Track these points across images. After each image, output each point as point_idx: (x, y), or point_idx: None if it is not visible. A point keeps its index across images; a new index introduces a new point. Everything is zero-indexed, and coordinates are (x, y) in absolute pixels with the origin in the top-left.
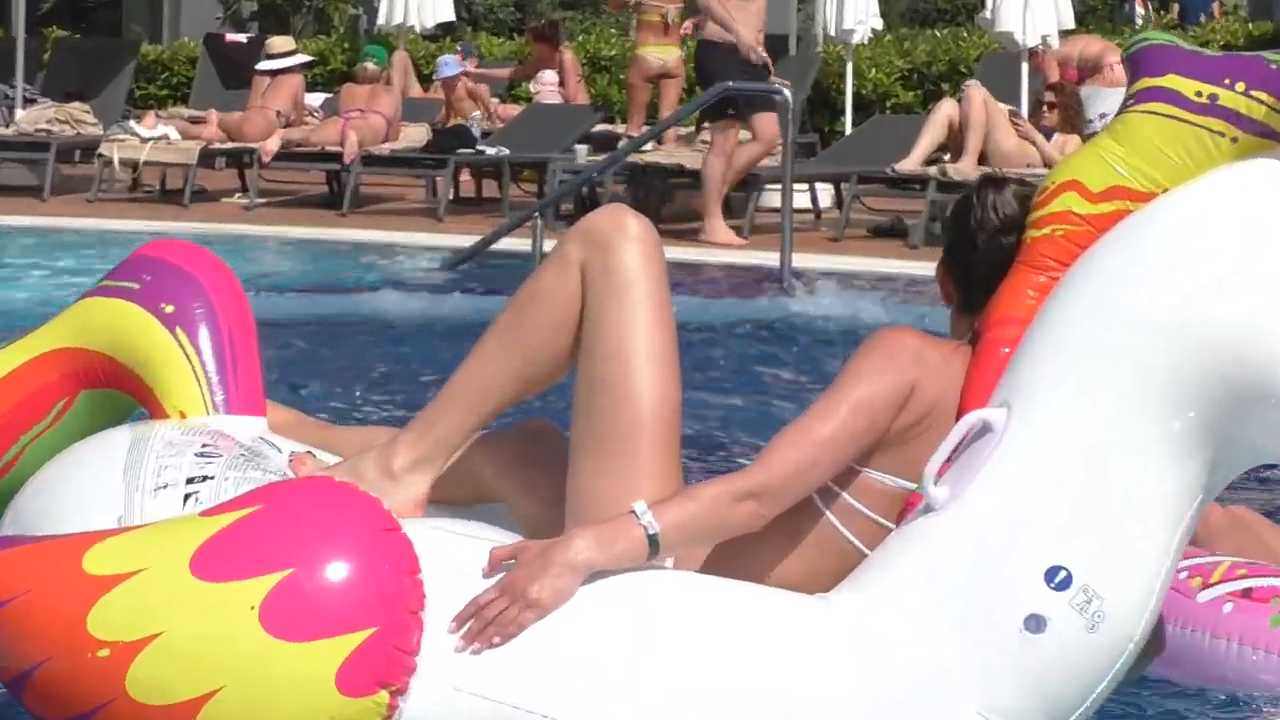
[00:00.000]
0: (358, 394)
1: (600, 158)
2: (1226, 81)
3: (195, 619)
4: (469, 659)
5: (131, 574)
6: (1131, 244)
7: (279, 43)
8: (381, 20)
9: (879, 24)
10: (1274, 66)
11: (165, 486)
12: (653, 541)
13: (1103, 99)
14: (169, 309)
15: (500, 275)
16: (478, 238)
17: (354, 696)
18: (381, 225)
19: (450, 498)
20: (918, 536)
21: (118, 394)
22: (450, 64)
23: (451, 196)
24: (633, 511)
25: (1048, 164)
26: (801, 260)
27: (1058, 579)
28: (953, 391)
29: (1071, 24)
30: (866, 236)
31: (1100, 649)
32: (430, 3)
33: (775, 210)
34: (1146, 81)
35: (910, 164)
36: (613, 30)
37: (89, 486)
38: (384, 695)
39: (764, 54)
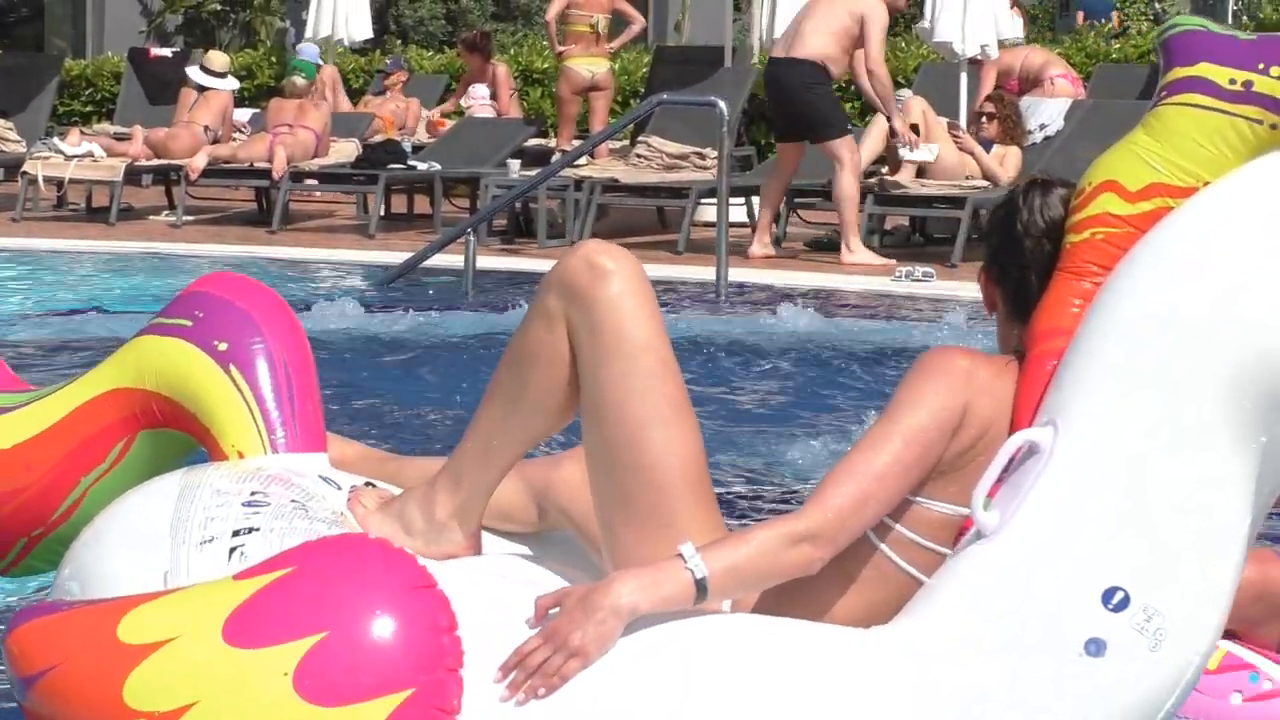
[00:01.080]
0: None
1: (533, 173)
2: (1261, 66)
3: (230, 687)
4: (514, 712)
5: (165, 642)
6: (1165, 245)
7: (216, 59)
8: (309, 34)
9: None
10: None
11: (211, 540)
12: (700, 586)
13: (1043, 110)
14: (222, 347)
15: (433, 292)
16: (409, 254)
17: None
18: (312, 242)
19: (513, 527)
20: (969, 564)
21: (177, 433)
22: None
23: (383, 213)
24: (680, 555)
25: (987, 176)
26: (738, 274)
27: (1115, 600)
28: (1005, 411)
29: (1012, 33)
30: (804, 250)
31: (1166, 667)
32: (358, 15)
33: (711, 224)
34: (1179, 72)
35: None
36: (544, 42)
37: (137, 540)
38: None
39: None
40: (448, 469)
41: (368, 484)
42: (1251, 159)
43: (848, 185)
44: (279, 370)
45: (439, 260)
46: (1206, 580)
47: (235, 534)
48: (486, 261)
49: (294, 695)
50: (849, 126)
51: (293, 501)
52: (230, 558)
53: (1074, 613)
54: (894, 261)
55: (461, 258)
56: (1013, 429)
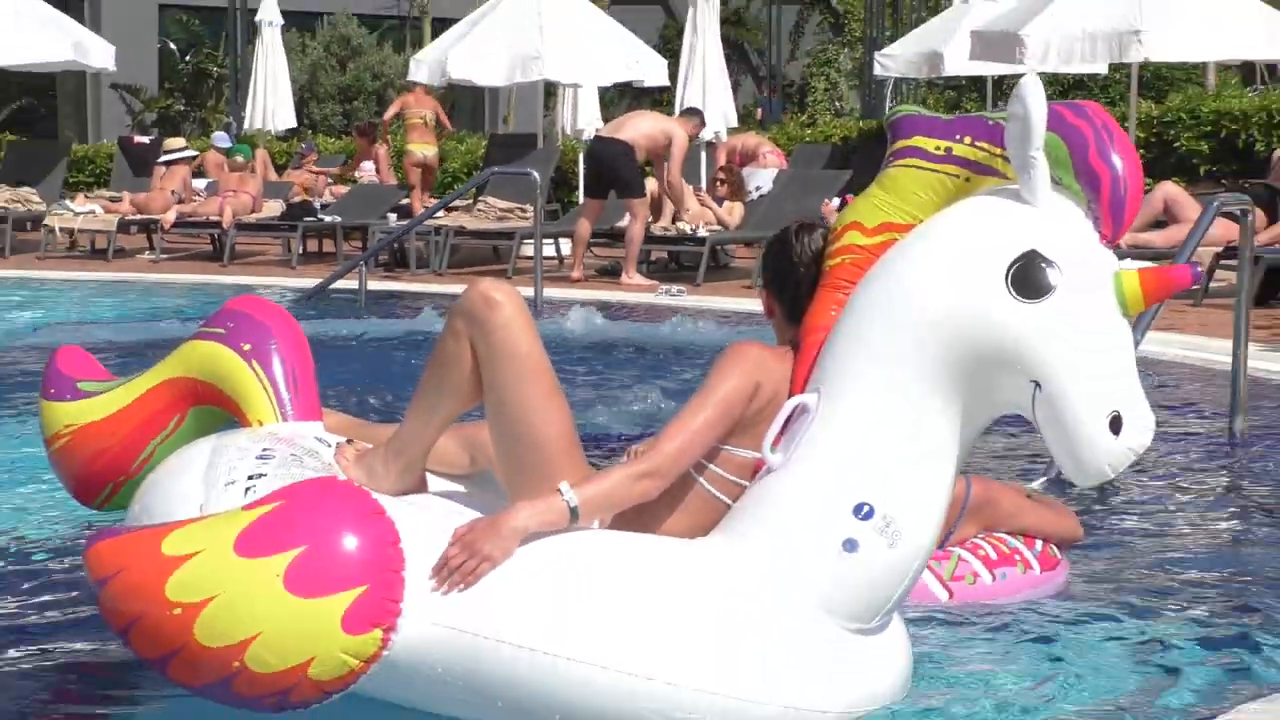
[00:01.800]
0: None
1: (405, 222)
2: (958, 137)
3: (239, 585)
4: (441, 601)
5: (195, 554)
6: (888, 267)
7: (172, 143)
8: (246, 126)
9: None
10: (991, 123)
11: (234, 482)
12: (574, 512)
13: (758, 177)
14: (247, 347)
15: (337, 307)
16: (320, 280)
17: (355, 635)
18: (252, 273)
19: (452, 470)
20: (761, 491)
21: (217, 409)
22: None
23: (301, 251)
24: (559, 490)
25: (719, 222)
26: (550, 292)
27: (863, 512)
28: (785, 384)
29: (735, 123)
30: (594, 275)
31: (900, 558)
32: (281, 113)
33: (530, 257)
34: (901, 143)
35: (626, 223)
36: (413, 133)
37: (182, 483)
38: (377, 633)
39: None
40: (396, 437)
41: (349, 441)
42: (949, 203)
43: (637, 231)
44: (287, 363)
45: (342, 284)
46: (928, 492)
47: (250, 478)
48: (375, 285)
49: (283, 590)
50: (645, 191)
51: (292, 455)
52: (245, 495)
53: (835, 521)
54: (657, 282)
55: (357, 282)
56: (790, 396)
